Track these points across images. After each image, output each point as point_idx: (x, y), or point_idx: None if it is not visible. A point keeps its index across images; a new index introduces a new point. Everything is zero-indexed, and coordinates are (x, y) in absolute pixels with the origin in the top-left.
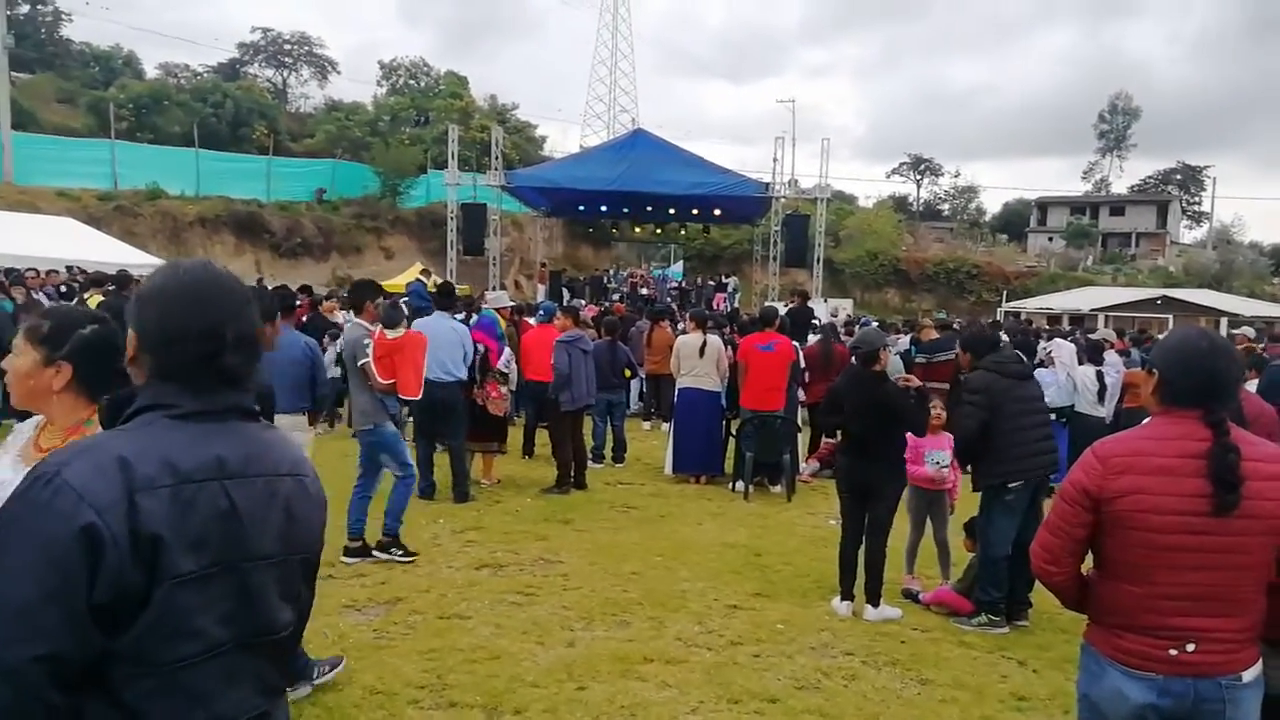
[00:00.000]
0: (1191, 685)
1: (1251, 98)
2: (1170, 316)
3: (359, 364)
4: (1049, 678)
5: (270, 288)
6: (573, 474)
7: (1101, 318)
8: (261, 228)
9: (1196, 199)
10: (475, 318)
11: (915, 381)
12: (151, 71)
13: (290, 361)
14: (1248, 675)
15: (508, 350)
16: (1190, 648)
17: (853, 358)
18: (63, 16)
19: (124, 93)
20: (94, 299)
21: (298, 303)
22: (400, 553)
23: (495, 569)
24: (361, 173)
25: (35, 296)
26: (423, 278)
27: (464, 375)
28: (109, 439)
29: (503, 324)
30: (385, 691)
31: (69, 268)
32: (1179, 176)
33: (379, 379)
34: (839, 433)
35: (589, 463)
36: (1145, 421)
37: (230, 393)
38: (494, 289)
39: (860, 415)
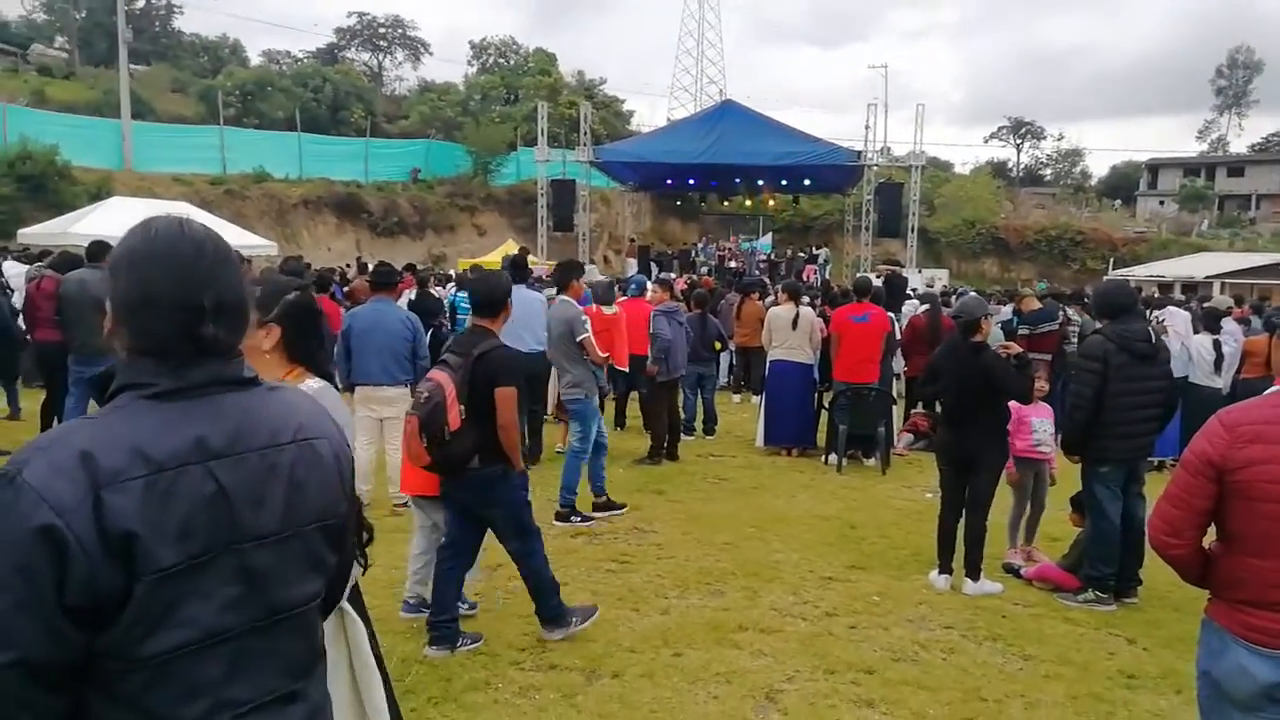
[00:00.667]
0: None
1: None
2: None
3: (578, 339)
4: (1159, 656)
5: (370, 264)
6: (665, 445)
7: (1217, 284)
8: (360, 208)
9: None
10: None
11: (1014, 348)
12: (255, 59)
13: (389, 335)
14: None
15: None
16: None
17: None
18: (174, 9)
19: (231, 80)
20: None
21: (396, 280)
22: (603, 513)
23: (590, 538)
24: (454, 152)
25: None
26: (521, 257)
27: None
28: (73, 431)
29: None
30: (488, 653)
31: None
32: None
33: (598, 352)
34: (937, 405)
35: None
36: (1275, 388)
37: (212, 363)
38: (589, 264)
39: (959, 386)
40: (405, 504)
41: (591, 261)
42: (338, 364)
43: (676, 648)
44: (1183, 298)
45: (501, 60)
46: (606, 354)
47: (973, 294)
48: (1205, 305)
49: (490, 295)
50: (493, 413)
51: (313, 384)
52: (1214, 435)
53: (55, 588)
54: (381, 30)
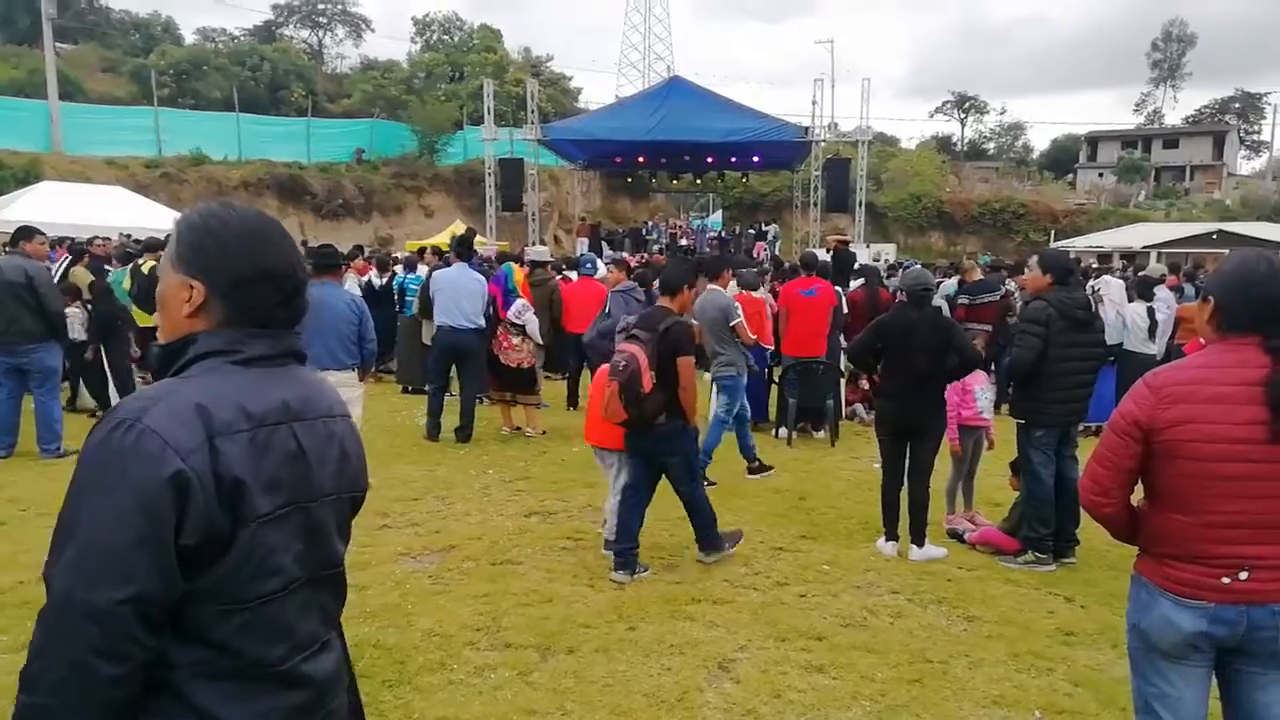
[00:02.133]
0: (1244, 613)
1: None
2: (1226, 251)
3: (731, 324)
4: (1096, 613)
5: (315, 247)
6: None
7: (1154, 254)
8: (303, 190)
9: (1255, 128)
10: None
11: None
12: (190, 37)
13: (335, 317)
14: None
15: (520, 301)
16: (1243, 575)
17: (903, 298)
18: None
19: (164, 59)
20: (148, 264)
21: (339, 263)
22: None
23: (544, 516)
24: (399, 131)
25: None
26: (468, 236)
27: (482, 323)
28: (180, 386)
29: (519, 276)
30: (442, 634)
31: (120, 234)
32: (1237, 105)
33: (749, 334)
34: (880, 376)
35: None
36: (1200, 350)
37: (290, 336)
38: (532, 244)
39: (910, 355)
40: None
41: (542, 241)
42: None
43: (631, 622)
44: (1120, 266)
45: (445, 37)
46: (755, 336)
47: (916, 266)
48: (1140, 274)
49: (670, 279)
50: (675, 377)
51: None
52: (1140, 397)
53: (173, 528)
54: (321, 7)
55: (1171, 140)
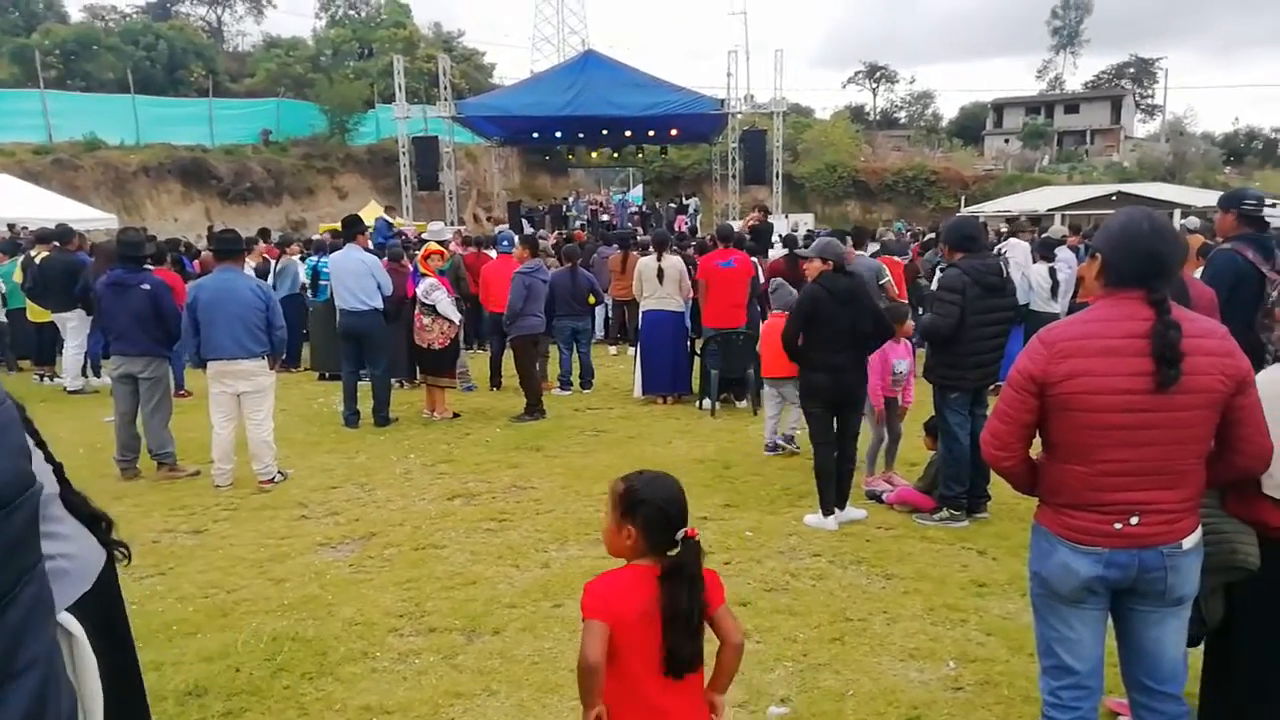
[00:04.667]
0: (1136, 556)
1: None
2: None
3: (881, 282)
4: (1007, 564)
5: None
6: (540, 401)
7: (1058, 217)
8: (208, 174)
9: (1149, 92)
10: None
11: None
12: (76, 15)
13: (240, 305)
14: (1187, 543)
15: (428, 280)
16: (1134, 520)
17: (825, 268)
18: None
19: (49, 39)
20: (41, 254)
21: (244, 247)
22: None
23: (468, 499)
24: (307, 111)
25: None
26: (386, 215)
27: (378, 304)
28: None
29: (441, 257)
30: (364, 622)
31: (10, 226)
32: (1132, 70)
33: (894, 290)
34: (805, 350)
35: (557, 390)
36: (1090, 305)
37: None
38: (445, 224)
39: (843, 324)
40: (271, 480)
41: (460, 220)
42: (186, 339)
43: (557, 599)
44: (1030, 229)
45: (352, 13)
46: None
47: (824, 235)
48: (1042, 235)
49: (836, 253)
50: None
51: None
52: (1034, 352)
53: None
54: None
55: (1072, 106)
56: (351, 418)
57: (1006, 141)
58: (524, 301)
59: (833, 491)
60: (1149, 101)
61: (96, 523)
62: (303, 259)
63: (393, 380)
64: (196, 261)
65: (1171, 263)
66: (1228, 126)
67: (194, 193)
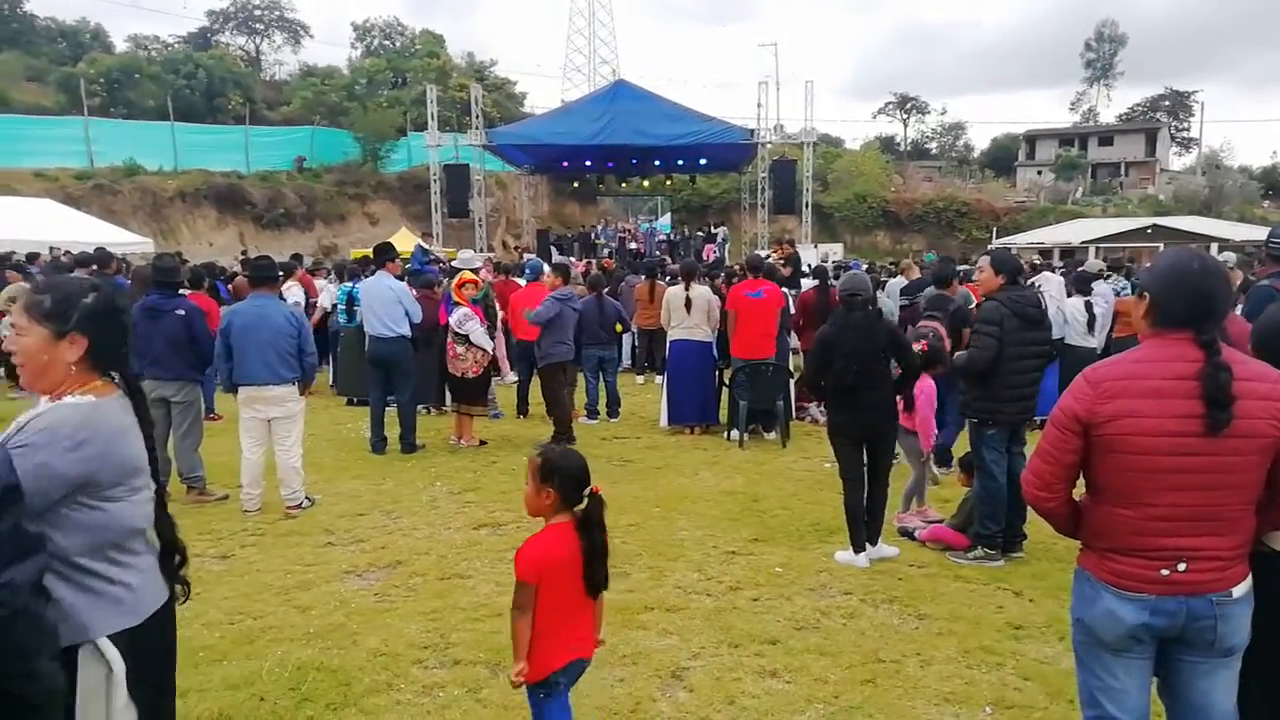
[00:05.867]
0: (1184, 604)
1: (1237, 17)
2: (1160, 245)
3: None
4: (1045, 606)
5: (253, 259)
6: (569, 429)
7: (1092, 249)
8: (243, 199)
9: (1185, 125)
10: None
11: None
12: (121, 45)
13: (273, 331)
14: (1238, 591)
15: (462, 310)
16: (1182, 567)
17: (840, 304)
18: None
19: (94, 68)
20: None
21: (279, 274)
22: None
23: (494, 528)
24: (341, 139)
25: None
26: (423, 242)
27: (406, 331)
28: None
29: (475, 286)
30: (389, 653)
31: (51, 249)
32: (1167, 103)
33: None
34: (829, 387)
35: (584, 419)
36: (1137, 345)
37: None
38: (474, 251)
39: (861, 360)
40: (298, 506)
41: (490, 247)
42: (218, 364)
43: None
44: (1062, 263)
45: (387, 42)
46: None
47: (854, 269)
48: (1078, 269)
49: (941, 274)
50: (960, 343)
51: (82, 399)
52: (1079, 392)
53: None
54: (257, 12)
55: (1106, 138)
56: (379, 444)
57: (1039, 173)
58: (555, 316)
59: (863, 528)
60: (1184, 134)
61: (171, 554)
62: (335, 278)
63: (420, 406)
64: (230, 286)
65: (1222, 304)
66: (1265, 160)
67: (229, 218)
